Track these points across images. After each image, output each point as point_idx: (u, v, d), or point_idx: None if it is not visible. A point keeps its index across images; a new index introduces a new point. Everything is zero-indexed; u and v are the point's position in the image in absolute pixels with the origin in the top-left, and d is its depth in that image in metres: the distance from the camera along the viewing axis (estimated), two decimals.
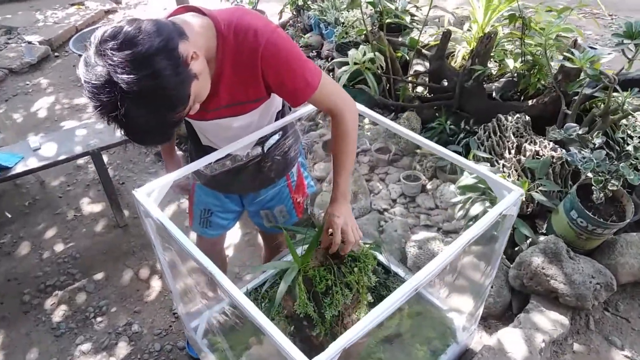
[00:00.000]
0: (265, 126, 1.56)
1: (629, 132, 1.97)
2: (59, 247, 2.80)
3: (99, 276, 2.63)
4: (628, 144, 1.89)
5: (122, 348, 2.28)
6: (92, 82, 0.93)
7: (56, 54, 4.88)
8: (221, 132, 1.51)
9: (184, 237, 1.21)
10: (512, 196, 1.31)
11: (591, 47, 2.83)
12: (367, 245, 1.68)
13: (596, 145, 1.82)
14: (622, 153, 1.83)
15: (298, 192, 1.89)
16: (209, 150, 1.54)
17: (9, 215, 3.02)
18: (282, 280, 1.41)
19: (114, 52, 0.92)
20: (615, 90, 2.04)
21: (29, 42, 4.80)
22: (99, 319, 2.42)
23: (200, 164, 1.47)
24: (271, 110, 1.56)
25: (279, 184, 1.78)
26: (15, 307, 2.48)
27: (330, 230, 1.40)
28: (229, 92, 1.31)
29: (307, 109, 1.69)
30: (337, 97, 1.40)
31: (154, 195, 1.34)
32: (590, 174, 1.77)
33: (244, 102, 1.37)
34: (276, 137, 1.65)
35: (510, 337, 1.78)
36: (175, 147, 1.90)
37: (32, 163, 2.57)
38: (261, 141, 1.60)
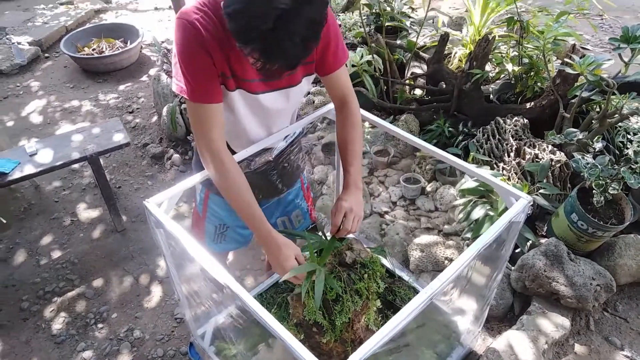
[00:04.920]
0: (287, 125, 1.55)
1: (629, 136, 2.00)
2: (57, 253, 2.78)
3: (98, 282, 2.61)
4: (627, 148, 1.93)
5: (124, 354, 2.27)
6: None
7: (46, 55, 4.81)
8: (259, 116, 1.41)
9: (197, 247, 1.21)
10: (520, 203, 1.34)
11: (583, 48, 2.86)
12: (372, 250, 1.69)
13: (596, 150, 1.86)
14: (622, 157, 1.87)
15: (308, 194, 1.90)
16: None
17: (4, 221, 2.97)
18: (315, 282, 1.41)
19: None
20: (613, 94, 2.07)
21: (18, 43, 4.72)
22: (99, 325, 2.40)
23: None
24: (298, 104, 1.55)
25: (295, 188, 1.76)
26: (14, 314, 2.45)
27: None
28: None
29: (316, 114, 1.70)
30: (351, 86, 1.46)
31: (164, 205, 1.34)
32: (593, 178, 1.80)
33: (304, 63, 1.31)
34: (291, 139, 1.63)
35: (515, 339, 1.80)
36: None
37: (29, 169, 2.54)
38: (277, 142, 1.58)
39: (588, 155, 1.81)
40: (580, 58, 1.96)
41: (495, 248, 1.54)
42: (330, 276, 1.48)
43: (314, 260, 1.51)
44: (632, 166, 1.72)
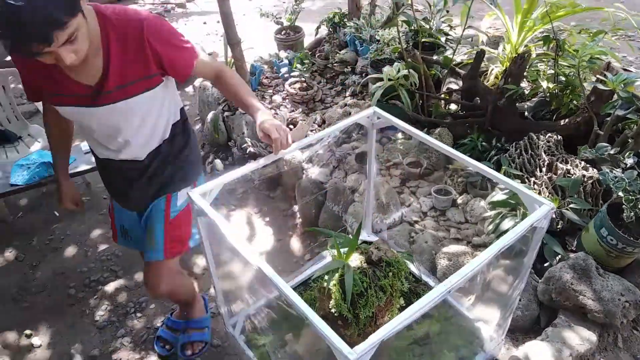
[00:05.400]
0: (160, 132, 1.62)
1: None
2: (103, 246, 2.97)
3: (139, 275, 2.77)
4: None
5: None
6: None
7: None
8: (116, 126, 1.51)
9: (236, 235, 1.32)
10: (543, 209, 1.38)
11: (625, 70, 2.86)
12: (400, 254, 1.76)
13: (628, 165, 1.87)
14: None
15: (175, 227, 1.73)
16: (112, 163, 1.65)
17: (57, 214, 3.21)
18: (344, 276, 1.50)
19: None
20: None
21: None
22: (138, 314, 2.55)
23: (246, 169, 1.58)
24: (166, 107, 1.60)
25: (157, 203, 1.72)
26: (62, 300, 2.64)
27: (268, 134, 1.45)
28: (120, 74, 1.39)
29: (350, 120, 1.80)
30: (220, 64, 1.61)
31: (207, 195, 1.46)
32: (621, 193, 1.82)
33: (135, 80, 1.42)
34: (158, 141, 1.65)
35: (538, 349, 1.82)
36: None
37: (84, 165, 2.76)
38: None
39: (617, 170, 1.82)
40: (614, 75, 1.99)
41: (518, 255, 1.58)
42: (357, 271, 1.56)
43: (341, 257, 1.60)
44: None
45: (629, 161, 1.89)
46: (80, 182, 3.43)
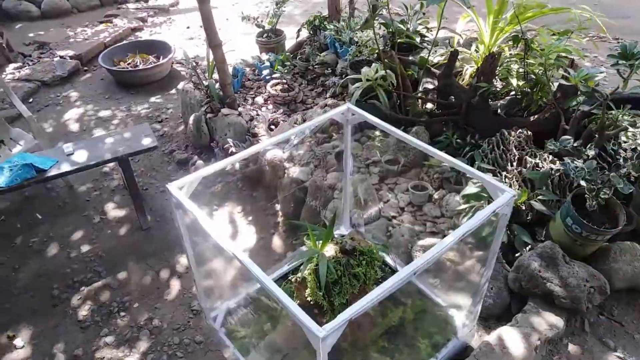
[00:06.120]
0: None
1: (622, 143, 2.10)
2: (86, 247, 2.99)
3: (122, 274, 2.80)
4: (620, 156, 2.03)
5: (144, 341, 2.43)
6: None
7: (85, 68, 5.15)
8: None
9: (212, 225, 1.37)
10: (505, 196, 1.46)
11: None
12: (376, 245, 1.83)
13: (590, 157, 1.96)
14: (613, 164, 1.97)
15: None
16: None
17: (40, 217, 3.23)
18: (320, 265, 1.55)
19: None
20: (611, 108, 2.18)
21: (61, 57, 5.09)
22: (122, 313, 2.58)
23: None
24: None
25: None
26: (45, 301, 2.65)
27: None
28: None
29: (325, 116, 1.87)
30: None
31: (185, 189, 1.51)
32: (583, 183, 1.91)
33: None
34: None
35: (508, 334, 1.89)
36: None
37: (66, 167, 2.78)
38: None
39: (579, 161, 1.92)
40: (575, 72, 2.09)
41: (484, 242, 1.66)
42: (331, 260, 1.62)
43: (316, 247, 1.66)
44: (621, 172, 1.82)
45: (591, 153, 1.98)
46: (63, 186, 3.45)
